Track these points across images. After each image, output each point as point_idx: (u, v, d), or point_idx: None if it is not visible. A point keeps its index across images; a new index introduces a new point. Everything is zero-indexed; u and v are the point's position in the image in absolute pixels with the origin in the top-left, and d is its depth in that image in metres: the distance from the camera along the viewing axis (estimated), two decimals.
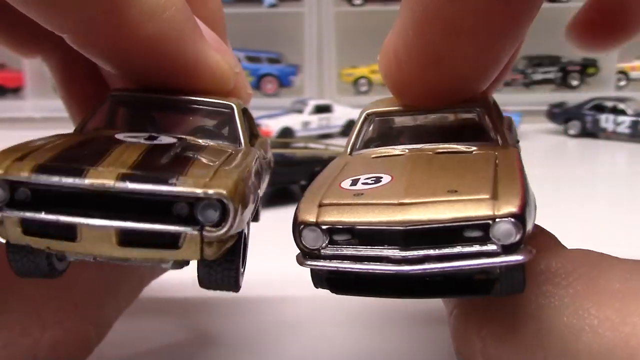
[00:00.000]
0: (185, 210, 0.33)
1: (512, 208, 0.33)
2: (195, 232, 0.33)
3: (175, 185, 0.33)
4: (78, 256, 0.36)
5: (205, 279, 0.38)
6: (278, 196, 1.10)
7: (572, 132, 2.12)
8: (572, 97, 2.30)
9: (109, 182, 0.33)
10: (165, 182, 0.33)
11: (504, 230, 0.33)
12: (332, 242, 0.36)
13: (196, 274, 0.38)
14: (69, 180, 0.33)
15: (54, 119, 1.94)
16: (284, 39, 2.70)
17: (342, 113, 2.18)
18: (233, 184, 0.34)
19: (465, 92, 0.42)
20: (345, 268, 0.36)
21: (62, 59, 0.56)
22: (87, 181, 0.33)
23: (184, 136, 0.43)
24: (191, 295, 0.64)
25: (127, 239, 0.33)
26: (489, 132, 0.45)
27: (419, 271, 0.34)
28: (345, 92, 2.64)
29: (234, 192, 0.34)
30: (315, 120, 2.11)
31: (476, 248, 0.34)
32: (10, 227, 0.34)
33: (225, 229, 0.33)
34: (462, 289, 0.36)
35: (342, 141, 1.99)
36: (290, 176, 1.10)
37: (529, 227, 0.34)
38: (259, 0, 2.64)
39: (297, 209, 0.37)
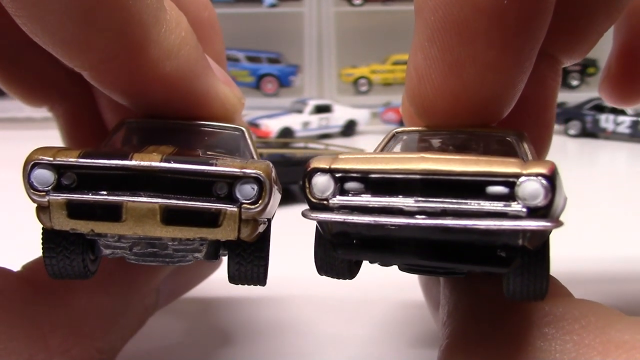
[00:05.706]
0: (224, 190, 0.36)
1: (542, 169, 0.31)
2: (235, 209, 0.36)
3: (215, 165, 0.36)
4: (120, 241, 0.37)
5: (236, 274, 0.40)
6: None
7: (572, 132, 2.12)
8: (572, 97, 2.30)
9: (155, 162, 0.35)
10: (206, 163, 0.36)
11: (531, 189, 0.31)
12: (342, 193, 0.34)
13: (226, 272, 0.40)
14: (116, 161, 0.35)
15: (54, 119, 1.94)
16: (284, 39, 2.70)
17: (342, 113, 2.19)
18: (266, 167, 0.37)
19: (493, 106, 0.40)
20: (352, 220, 0.33)
21: (68, 110, 0.59)
22: (133, 162, 0.35)
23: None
24: (191, 296, 0.64)
25: (170, 216, 0.35)
26: (522, 158, 0.40)
27: (434, 225, 0.32)
28: (345, 92, 2.64)
29: (269, 173, 0.36)
30: (315, 120, 2.11)
31: (499, 206, 0.31)
32: (56, 211, 0.35)
33: (261, 206, 0.36)
34: (480, 260, 0.33)
35: (342, 141, 1.99)
36: (290, 176, 1.10)
37: (559, 204, 0.32)
38: (259, 0, 2.64)
39: (309, 161, 0.36)
